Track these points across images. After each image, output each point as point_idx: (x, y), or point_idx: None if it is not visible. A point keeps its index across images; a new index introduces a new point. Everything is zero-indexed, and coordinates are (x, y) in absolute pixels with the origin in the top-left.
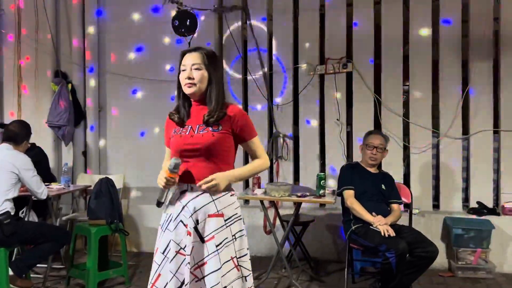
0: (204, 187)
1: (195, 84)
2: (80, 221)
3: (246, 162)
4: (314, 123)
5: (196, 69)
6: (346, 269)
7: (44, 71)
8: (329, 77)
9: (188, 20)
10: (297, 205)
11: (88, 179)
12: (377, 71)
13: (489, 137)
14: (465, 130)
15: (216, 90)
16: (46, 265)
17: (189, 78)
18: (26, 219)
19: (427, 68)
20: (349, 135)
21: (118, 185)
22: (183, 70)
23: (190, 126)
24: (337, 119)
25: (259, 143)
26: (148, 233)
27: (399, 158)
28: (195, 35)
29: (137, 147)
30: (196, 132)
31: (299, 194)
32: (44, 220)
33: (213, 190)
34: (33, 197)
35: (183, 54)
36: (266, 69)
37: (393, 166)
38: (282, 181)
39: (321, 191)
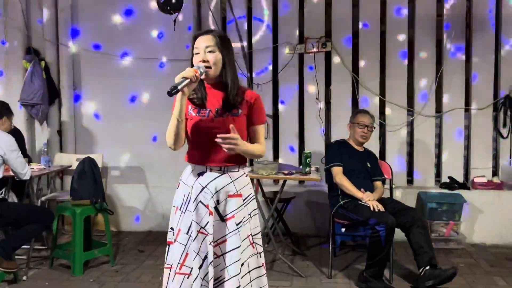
0: (226, 145)
1: (210, 67)
2: (61, 201)
3: None
4: (294, 101)
5: (210, 51)
6: (330, 243)
7: (14, 47)
8: (308, 56)
9: None
10: (283, 182)
11: (65, 159)
12: (355, 51)
13: (461, 115)
14: (438, 108)
15: (231, 73)
16: (28, 246)
17: (204, 61)
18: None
19: (403, 47)
20: (328, 114)
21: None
22: (197, 54)
23: (209, 110)
24: (316, 98)
25: (263, 130)
26: (127, 212)
27: (375, 135)
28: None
29: (114, 125)
30: (216, 116)
31: (285, 172)
32: (21, 201)
33: (230, 148)
34: (15, 177)
35: (195, 38)
36: (245, 48)
37: (369, 144)
38: (263, 160)
39: (307, 169)
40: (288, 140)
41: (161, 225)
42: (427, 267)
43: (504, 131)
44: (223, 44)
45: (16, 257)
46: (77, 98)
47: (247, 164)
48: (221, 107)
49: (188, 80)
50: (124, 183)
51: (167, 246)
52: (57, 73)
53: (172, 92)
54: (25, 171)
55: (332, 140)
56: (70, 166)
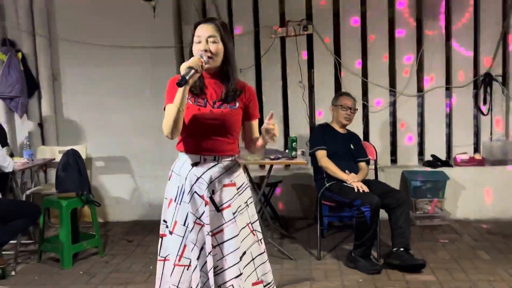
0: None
1: (212, 58)
2: (46, 194)
3: None
4: (277, 86)
5: (213, 42)
6: (318, 224)
7: None
8: (290, 40)
9: None
10: (269, 167)
11: (48, 152)
12: (336, 32)
13: (442, 94)
14: (420, 88)
15: (232, 65)
16: (15, 241)
17: (206, 50)
18: None
19: (384, 28)
20: (311, 97)
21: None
22: (198, 42)
23: (206, 100)
24: (300, 82)
25: (257, 125)
26: (113, 202)
27: (358, 117)
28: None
29: (96, 116)
30: (213, 107)
31: (272, 157)
32: (4, 196)
33: (272, 138)
34: None
35: (197, 25)
36: None
37: (353, 125)
38: None
39: (293, 153)
40: None
41: (148, 214)
42: (401, 249)
43: (485, 108)
44: (225, 34)
45: (4, 252)
46: (57, 88)
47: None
48: (219, 98)
49: (194, 70)
50: (109, 174)
51: (160, 239)
52: (35, 64)
53: (182, 83)
54: (7, 163)
55: (316, 123)
56: (54, 159)
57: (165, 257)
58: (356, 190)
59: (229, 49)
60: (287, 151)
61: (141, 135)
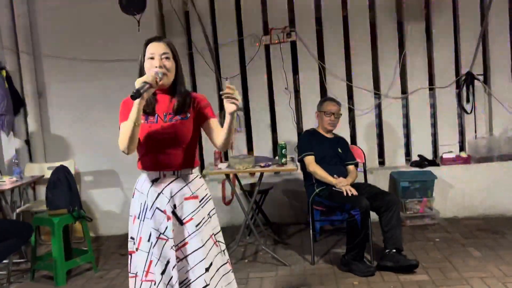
0: (229, 95)
1: (166, 74)
2: (37, 212)
3: None
4: (263, 93)
5: (166, 58)
6: (311, 229)
7: None
8: (274, 47)
9: None
10: (260, 175)
11: (36, 169)
12: (320, 38)
13: (426, 95)
14: (404, 89)
15: (182, 79)
16: (7, 261)
17: (161, 67)
18: None
19: (365, 32)
20: (297, 102)
21: None
22: (151, 58)
23: (157, 115)
24: (285, 88)
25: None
26: (104, 216)
27: (345, 120)
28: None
29: (83, 130)
30: (165, 121)
31: (262, 164)
32: None
33: (232, 101)
34: None
35: (148, 43)
36: (211, 43)
37: (340, 129)
38: (237, 153)
39: (283, 160)
40: (261, 131)
41: None
42: (394, 250)
43: (468, 107)
44: (175, 52)
45: None
46: (43, 105)
47: (222, 159)
48: (170, 112)
49: (149, 85)
50: (98, 188)
51: (129, 256)
52: (19, 81)
53: (135, 96)
54: None
55: (303, 128)
56: (43, 176)
57: (135, 274)
58: (345, 194)
59: (180, 66)
60: (277, 158)
61: None
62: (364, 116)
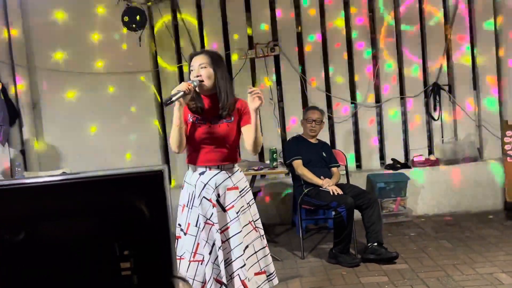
0: (258, 96)
1: (202, 80)
2: None
3: None
4: None
5: (203, 67)
6: (300, 226)
7: None
8: (259, 61)
9: (138, 15)
10: (252, 177)
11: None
12: (301, 52)
13: (397, 103)
14: (378, 99)
15: (224, 86)
16: None
17: (198, 76)
18: None
19: (342, 47)
20: (282, 112)
21: None
22: (192, 70)
23: (206, 117)
24: (270, 99)
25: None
26: None
27: (325, 127)
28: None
29: (77, 140)
30: (212, 123)
31: (255, 168)
32: None
33: (258, 99)
34: None
35: (191, 57)
36: None
37: (320, 135)
38: None
39: (274, 163)
40: None
41: None
42: (375, 244)
43: (435, 114)
44: (214, 61)
45: None
46: (37, 115)
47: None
48: (216, 115)
49: (182, 92)
50: None
51: (176, 240)
52: (15, 93)
53: (166, 103)
54: None
55: (287, 135)
56: None
57: (180, 256)
58: (331, 193)
59: (220, 73)
60: (268, 162)
61: (121, 157)
62: (342, 123)
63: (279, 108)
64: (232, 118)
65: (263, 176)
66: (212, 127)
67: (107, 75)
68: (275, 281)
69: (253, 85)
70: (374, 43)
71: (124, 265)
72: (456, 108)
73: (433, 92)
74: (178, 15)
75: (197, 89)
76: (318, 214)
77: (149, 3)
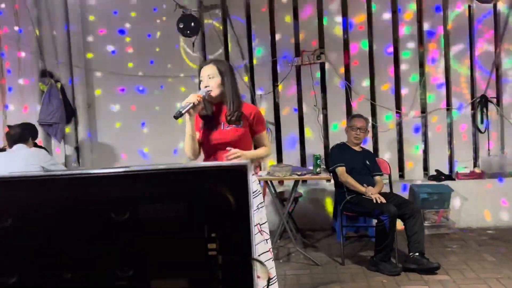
0: (231, 156)
1: (211, 90)
2: None
3: None
4: (293, 109)
5: (211, 78)
6: (341, 232)
7: (29, 70)
8: (305, 67)
9: (192, 22)
10: (294, 183)
11: None
12: (347, 59)
13: (443, 115)
14: (423, 109)
15: (230, 93)
16: None
17: (206, 86)
18: None
19: (388, 55)
20: (325, 119)
21: None
22: (201, 81)
23: (216, 124)
24: (314, 105)
25: (266, 135)
26: None
27: (369, 136)
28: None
29: (129, 140)
30: (223, 128)
31: (299, 173)
32: None
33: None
34: None
35: (200, 68)
36: (247, 62)
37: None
38: (279, 163)
39: (318, 169)
40: (290, 144)
41: None
42: (417, 253)
43: (482, 127)
44: (221, 70)
45: None
46: (91, 114)
47: (261, 168)
48: (226, 121)
49: (191, 103)
50: None
51: None
52: (71, 92)
53: (176, 116)
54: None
55: (330, 142)
56: None
57: None
58: (374, 202)
59: (227, 81)
60: (310, 167)
61: (170, 156)
62: (386, 132)
63: (323, 115)
64: (241, 123)
65: (304, 181)
66: (222, 132)
67: (159, 78)
68: (275, 286)
69: (298, 90)
70: (421, 51)
71: (211, 246)
72: (504, 121)
73: (480, 104)
74: (227, 22)
75: (207, 97)
76: (358, 222)
77: (201, 10)
